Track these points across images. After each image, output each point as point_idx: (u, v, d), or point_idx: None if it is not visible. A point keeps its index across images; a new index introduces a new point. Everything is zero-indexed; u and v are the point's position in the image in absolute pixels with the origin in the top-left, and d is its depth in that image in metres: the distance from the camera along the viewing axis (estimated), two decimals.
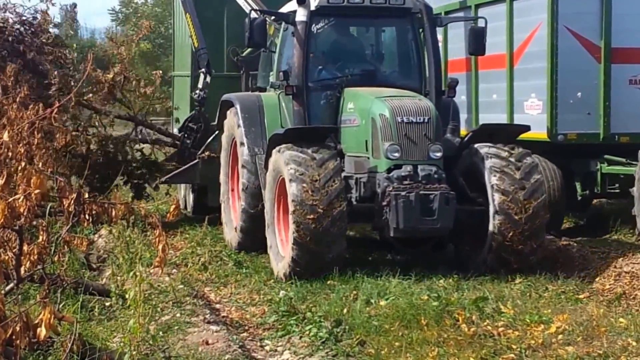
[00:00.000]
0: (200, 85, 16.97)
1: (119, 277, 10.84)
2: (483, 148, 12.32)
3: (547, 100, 14.35)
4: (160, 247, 8.85)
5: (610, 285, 11.96)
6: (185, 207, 18.29)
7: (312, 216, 11.54)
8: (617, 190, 14.88)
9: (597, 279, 12.13)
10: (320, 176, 11.68)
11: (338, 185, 11.69)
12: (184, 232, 15.79)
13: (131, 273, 9.73)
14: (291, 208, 11.70)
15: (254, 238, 13.55)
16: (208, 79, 16.88)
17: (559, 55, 14.29)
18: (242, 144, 13.65)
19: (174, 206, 10.41)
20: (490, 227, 11.96)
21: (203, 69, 16.99)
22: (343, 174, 12.18)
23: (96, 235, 14.30)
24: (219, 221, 15.06)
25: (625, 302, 11.13)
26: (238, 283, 12.19)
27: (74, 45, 20.59)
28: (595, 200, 16.22)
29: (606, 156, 14.43)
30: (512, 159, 12.14)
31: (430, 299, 10.22)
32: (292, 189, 11.71)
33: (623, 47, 14.35)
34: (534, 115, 14.67)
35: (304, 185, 11.62)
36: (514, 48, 15.17)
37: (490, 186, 12.01)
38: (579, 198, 15.33)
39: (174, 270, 12.42)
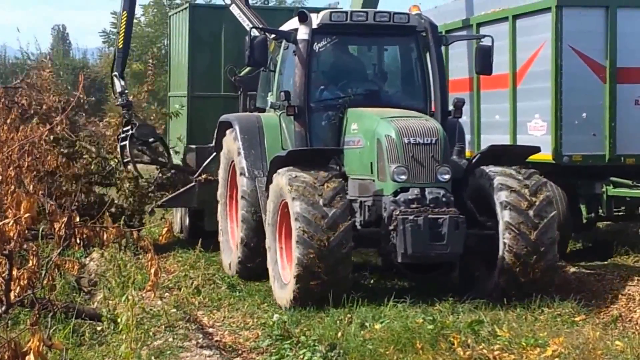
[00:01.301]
0: (119, 89, 16.45)
1: (110, 301, 10.67)
2: (491, 169, 11.70)
3: (552, 121, 13.75)
4: (152, 270, 8.86)
5: (606, 307, 11.61)
6: (181, 231, 17.57)
7: (317, 237, 10.86)
8: (623, 213, 14.33)
9: (593, 301, 11.74)
10: (324, 196, 11.03)
11: (343, 204, 11.03)
12: (177, 254, 15.29)
13: (123, 297, 10.04)
14: (295, 229, 11.01)
15: (253, 266, 12.92)
16: (122, 82, 16.47)
17: (564, 75, 13.70)
18: (241, 173, 12.99)
19: (166, 229, 10.33)
20: (501, 247, 11.31)
21: (116, 73, 16.55)
22: (347, 197, 11.45)
23: (87, 259, 13.84)
24: (214, 246, 14.48)
25: (622, 324, 10.90)
26: (231, 306, 11.79)
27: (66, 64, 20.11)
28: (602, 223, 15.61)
29: (612, 178, 13.80)
30: (520, 177, 11.54)
31: (425, 322, 9.78)
32: (295, 209, 11.02)
33: (628, 67, 13.77)
34: (538, 136, 14.05)
35: (308, 206, 10.95)
36: (517, 68, 14.57)
37: (499, 203, 11.39)
38: (585, 221, 14.68)
39: (167, 293, 12.00)
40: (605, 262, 13.97)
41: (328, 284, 10.92)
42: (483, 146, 14.85)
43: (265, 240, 12.09)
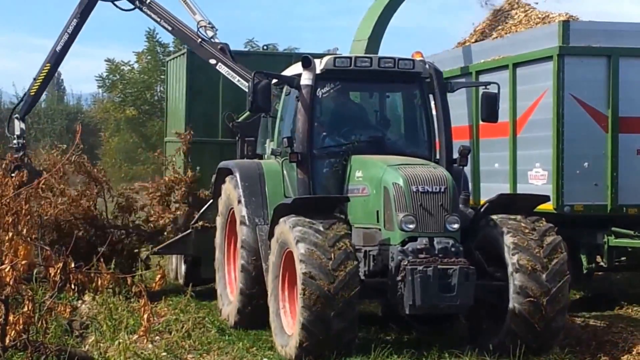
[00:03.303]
0: (17, 132, 16.07)
1: (102, 344, 10.48)
2: (502, 220, 10.99)
3: (553, 170, 13.11)
4: (145, 316, 8.85)
5: (589, 355, 11.28)
6: (177, 278, 16.74)
7: (322, 280, 10.14)
8: (625, 264, 13.66)
9: (577, 348, 11.35)
10: (329, 239, 10.34)
11: (348, 248, 10.34)
12: (168, 297, 14.70)
13: (116, 341, 10.19)
14: (299, 272, 10.27)
15: (252, 315, 12.16)
16: (23, 125, 16.15)
17: (565, 124, 13.07)
18: (242, 222, 12.24)
19: (159, 275, 10.05)
20: (510, 307, 10.61)
21: (18, 115, 16.24)
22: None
23: (79, 301, 13.26)
24: (210, 293, 13.86)
25: None
26: (221, 350, 11.33)
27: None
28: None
29: (613, 228, 13.13)
30: (528, 223, 10.89)
31: None
32: (300, 251, 10.33)
33: (631, 117, 13.14)
34: (538, 185, 13.40)
35: (313, 249, 10.26)
36: (517, 116, 13.92)
37: (507, 248, 10.71)
38: (585, 271, 13.96)
39: (157, 337, 11.51)
40: (608, 313, 13.49)
41: (335, 340, 10.22)
42: (482, 195, 14.31)
43: (265, 291, 11.35)
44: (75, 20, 16.41)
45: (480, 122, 14.48)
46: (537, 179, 13.49)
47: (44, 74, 16.58)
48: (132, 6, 16.21)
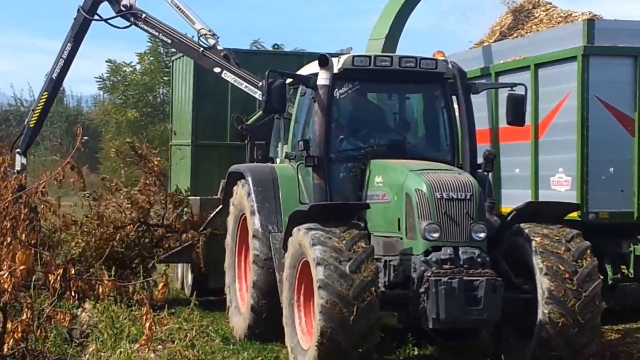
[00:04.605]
0: (18, 168, 15.46)
1: (102, 354, 10.32)
2: (529, 228, 10.48)
3: (577, 176, 12.58)
4: (147, 324, 8.78)
5: None
6: (183, 288, 16.17)
7: (341, 307, 9.56)
8: None
9: (590, 359, 10.66)
10: (350, 262, 9.73)
11: (371, 271, 9.74)
12: (171, 305, 13.91)
13: (117, 350, 9.97)
14: (317, 297, 9.71)
15: (266, 323, 11.65)
16: (24, 160, 15.75)
17: (590, 128, 12.54)
18: (255, 236, 11.72)
19: (162, 284, 9.99)
20: (540, 316, 10.08)
21: (19, 150, 15.80)
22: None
23: (79, 309, 12.84)
24: (217, 303, 13.53)
25: None
26: None
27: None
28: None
29: None
30: (561, 240, 10.36)
31: None
32: (319, 275, 9.72)
33: None
34: (561, 191, 12.87)
35: (333, 273, 9.67)
36: (540, 119, 13.37)
37: (538, 269, 10.17)
38: (610, 282, 13.42)
39: (160, 346, 11.08)
40: (624, 325, 13.07)
41: (353, 354, 9.68)
42: (503, 201, 13.77)
43: (278, 308, 10.89)
44: (69, 44, 15.95)
45: (500, 126, 14.08)
46: (560, 185, 12.98)
47: (42, 103, 16.16)
48: (128, 23, 15.66)
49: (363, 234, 10.21)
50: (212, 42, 15.31)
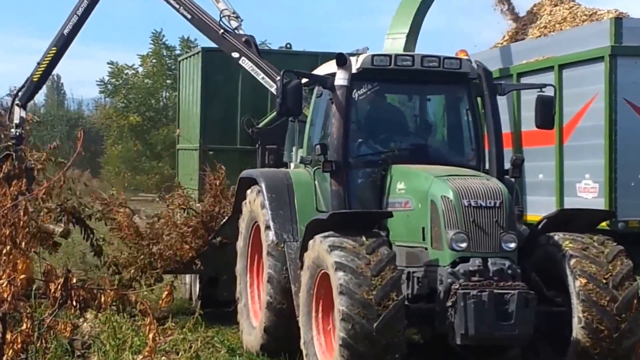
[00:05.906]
0: (16, 120, 15.13)
1: None
2: (560, 236, 9.98)
3: (605, 183, 12.18)
4: (150, 335, 8.52)
5: None
6: (190, 299, 15.59)
7: (364, 315, 9.05)
8: None
9: None
10: (372, 268, 9.23)
11: (394, 276, 9.26)
12: (175, 315, 13.88)
13: None
14: (338, 305, 9.18)
15: (280, 339, 11.12)
16: (23, 113, 15.29)
17: (618, 131, 12.15)
18: (267, 227, 11.17)
19: (166, 292, 9.49)
20: (575, 323, 9.58)
21: (19, 102, 15.34)
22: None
23: (81, 319, 12.31)
24: (226, 315, 13.04)
25: None
26: None
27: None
28: None
29: None
30: (595, 244, 9.90)
31: None
32: (339, 281, 9.21)
33: None
34: (588, 199, 12.44)
35: (354, 280, 9.15)
36: (564, 122, 12.94)
37: (571, 273, 9.69)
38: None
39: (164, 357, 10.97)
40: None
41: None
42: (526, 209, 13.22)
43: (294, 327, 10.36)
44: (86, 1, 15.29)
45: (523, 129, 13.57)
46: (587, 192, 12.56)
47: (49, 58, 15.52)
48: None
49: (384, 239, 9.76)
50: (234, 24, 14.66)
